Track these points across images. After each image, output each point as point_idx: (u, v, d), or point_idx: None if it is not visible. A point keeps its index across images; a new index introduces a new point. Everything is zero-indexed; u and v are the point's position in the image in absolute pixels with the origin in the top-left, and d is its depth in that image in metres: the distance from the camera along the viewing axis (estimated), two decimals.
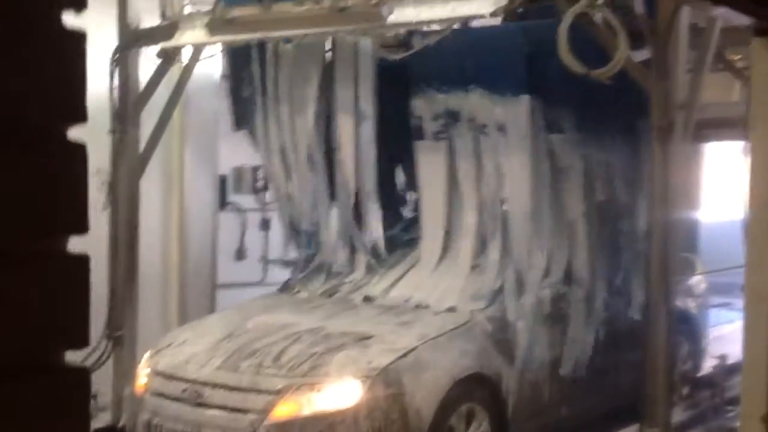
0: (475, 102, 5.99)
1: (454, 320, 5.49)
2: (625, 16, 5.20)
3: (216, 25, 5.89)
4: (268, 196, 8.48)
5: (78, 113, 0.85)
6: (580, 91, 5.76)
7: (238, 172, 8.66)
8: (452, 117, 6.13)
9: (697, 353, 7.47)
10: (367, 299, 6.00)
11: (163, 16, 6.38)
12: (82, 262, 0.83)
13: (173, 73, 6.81)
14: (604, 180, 6.39)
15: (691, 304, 7.42)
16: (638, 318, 6.30)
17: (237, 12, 5.94)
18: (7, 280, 0.79)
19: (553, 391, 5.90)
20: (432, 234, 6.24)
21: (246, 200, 8.62)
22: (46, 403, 0.82)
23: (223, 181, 8.32)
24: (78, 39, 0.86)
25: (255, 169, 8.65)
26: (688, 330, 7.26)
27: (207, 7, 6.35)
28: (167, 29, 6.24)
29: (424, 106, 6.18)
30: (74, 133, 0.88)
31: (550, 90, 5.91)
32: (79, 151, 0.85)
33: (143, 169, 6.79)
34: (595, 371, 6.18)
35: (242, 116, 6.81)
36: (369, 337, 5.16)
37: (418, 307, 5.79)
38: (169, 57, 6.49)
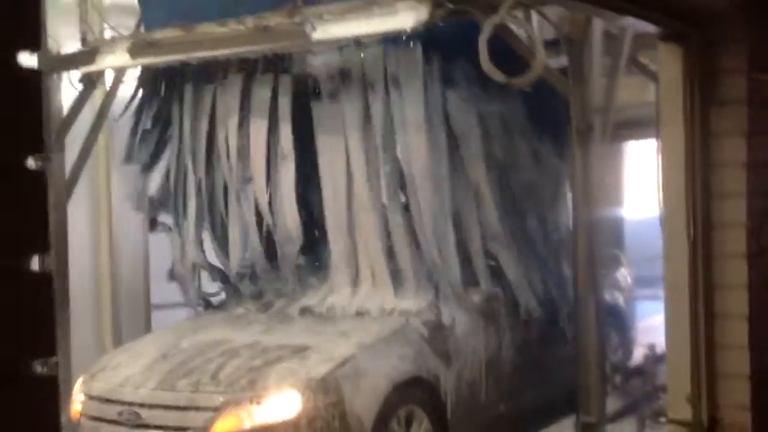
0: (367, 56, 5.86)
1: (391, 326, 5.55)
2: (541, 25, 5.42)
3: (138, 48, 5.89)
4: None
5: (38, 145, 0.92)
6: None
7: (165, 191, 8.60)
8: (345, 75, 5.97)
9: (626, 344, 7.68)
10: (304, 311, 6.01)
11: (84, 41, 6.35)
12: (46, 278, 0.92)
13: (96, 97, 6.78)
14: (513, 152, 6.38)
15: (618, 297, 7.64)
16: (567, 311, 6.47)
17: (159, 35, 5.95)
18: None
19: (490, 389, 6.01)
20: (338, 237, 6.10)
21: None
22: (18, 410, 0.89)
23: (151, 201, 8.27)
24: (35, 77, 0.93)
25: None
26: (617, 322, 7.45)
27: (128, 31, 6.35)
28: (88, 54, 6.21)
29: (320, 65, 6.06)
30: (32, 162, 0.94)
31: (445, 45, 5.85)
32: (40, 179, 0.92)
33: (70, 193, 6.73)
34: (530, 367, 6.31)
35: (139, 149, 6.70)
36: (307, 348, 5.19)
37: (356, 314, 5.82)
38: (91, 81, 6.46)
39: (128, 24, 6.69)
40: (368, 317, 5.76)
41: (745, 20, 3.08)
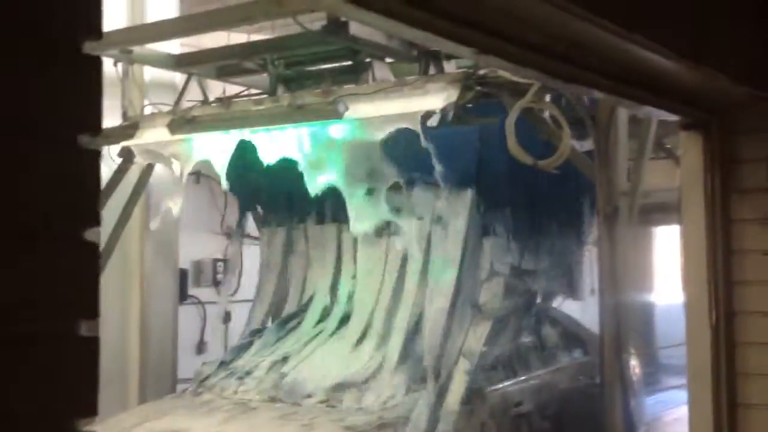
0: (417, 195, 6.12)
1: (364, 420, 5.18)
2: (568, 109, 5.52)
3: (177, 124, 6.08)
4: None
5: (95, 218, 1.04)
6: (520, 195, 6.08)
7: (198, 265, 8.74)
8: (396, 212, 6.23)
9: None
10: (273, 399, 5.73)
11: (125, 116, 6.57)
12: (93, 341, 1.01)
13: (133, 171, 6.97)
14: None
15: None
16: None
17: (197, 111, 6.15)
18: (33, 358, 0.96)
19: None
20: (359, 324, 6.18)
21: (206, 293, 8.68)
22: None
23: (183, 274, 8.39)
24: (95, 154, 1.04)
25: (215, 261, 8.75)
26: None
27: (167, 107, 6.56)
28: (128, 129, 6.41)
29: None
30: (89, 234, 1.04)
31: (492, 188, 6.07)
32: (95, 250, 1.02)
33: (104, 265, 6.86)
34: None
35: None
36: None
37: (329, 405, 5.54)
38: (129, 155, 6.65)
39: (168, 101, 6.92)
40: (338, 410, 5.47)
41: (763, 109, 3.15)
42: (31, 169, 0.98)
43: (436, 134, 6.16)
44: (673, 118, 3.37)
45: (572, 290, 6.93)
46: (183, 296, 8.37)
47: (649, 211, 6.48)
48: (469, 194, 5.99)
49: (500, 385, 5.92)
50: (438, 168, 5.84)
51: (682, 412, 9.39)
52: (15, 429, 0.92)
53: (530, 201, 6.39)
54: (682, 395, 10.82)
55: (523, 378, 6.14)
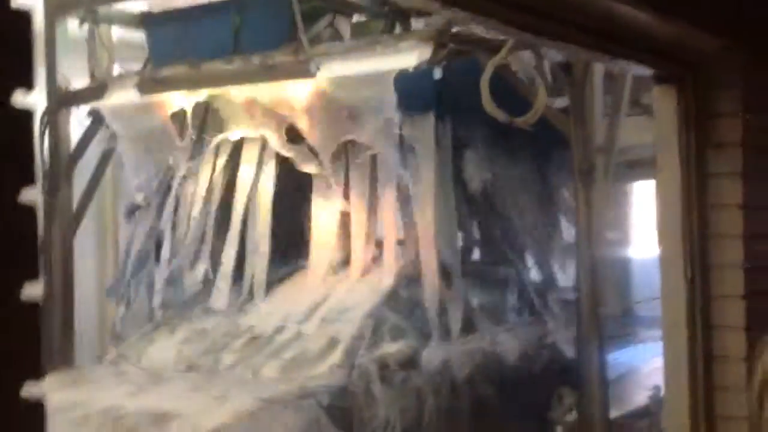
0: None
1: (281, 390, 4.78)
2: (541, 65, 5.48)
3: (146, 84, 5.97)
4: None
5: (29, 178, 0.99)
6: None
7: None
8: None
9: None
10: (190, 368, 5.32)
11: (93, 76, 6.44)
12: (33, 308, 0.97)
13: (105, 131, 6.85)
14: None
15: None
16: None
17: (167, 71, 6.04)
18: None
19: None
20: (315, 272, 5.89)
21: None
22: None
23: (158, 243, 8.31)
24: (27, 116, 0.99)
25: None
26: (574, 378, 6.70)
27: (136, 67, 6.43)
28: (97, 90, 6.30)
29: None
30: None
31: (458, 109, 5.95)
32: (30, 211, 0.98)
33: (77, 227, 6.78)
34: None
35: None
36: (170, 417, 4.46)
37: (249, 375, 5.15)
38: (99, 117, 6.54)
39: (137, 61, 6.79)
40: (258, 380, 5.06)
41: (738, 63, 3.12)
42: None
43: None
44: (646, 72, 3.32)
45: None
46: (158, 259, 8.29)
47: (625, 167, 6.47)
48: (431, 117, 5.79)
49: (436, 348, 5.53)
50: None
51: (657, 363, 9.52)
52: None
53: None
54: (657, 347, 10.94)
55: (464, 340, 5.75)
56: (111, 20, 6.48)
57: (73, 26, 6.44)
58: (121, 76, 6.38)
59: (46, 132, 6.44)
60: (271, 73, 5.64)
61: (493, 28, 2.49)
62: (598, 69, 5.49)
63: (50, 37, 6.21)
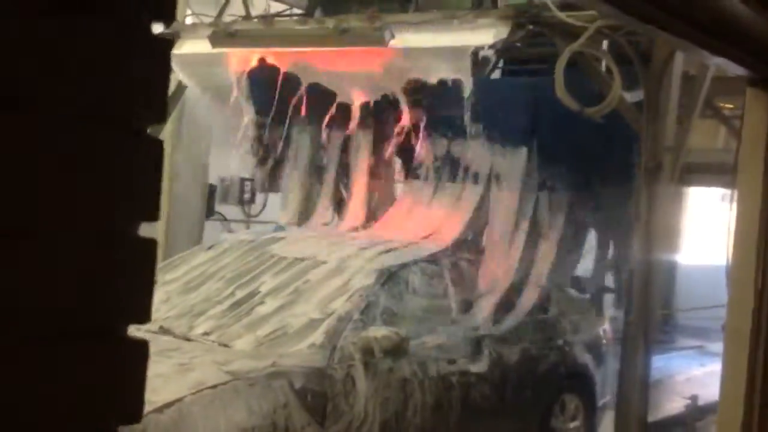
0: (474, 149, 6.10)
1: (250, 366, 4.37)
2: (620, 57, 5.35)
3: (218, 37, 5.96)
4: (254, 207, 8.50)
5: (161, 111, 0.97)
6: (574, 148, 5.95)
7: (226, 182, 8.71)
8: (449, 161, 6.25)
9: (589, 410, 6.48)
10: (164, 331, 4.89)
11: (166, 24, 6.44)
12: (150, 243, 0.94)
13: (172, 81, 6.88)
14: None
15: (587, 356, 6.46)
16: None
17: (240, 26, 6.02)
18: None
19: None
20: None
21: (231, 211, 8.66)
22: (106, 371, 0.91)
23: (211, 190, 8.37)
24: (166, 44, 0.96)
25: (243, 180, 8.72)
26: (582, 384, 6.41)
27: (209, 19, 6.43)
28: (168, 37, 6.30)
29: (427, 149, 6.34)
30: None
31: (547, 144, 6.01)
32: (157, 146, 0.95)
33: None
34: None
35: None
36: None
37: (221, 345, 4.73)
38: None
39: (210, 12, 6.79)
40: (231, 349, 4.67)
41: None
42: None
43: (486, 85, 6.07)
44: (740, 71, 3.22)
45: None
46: (209, 212, 8.37)
47: (686, 171, 6.33)
48: (524, 152, 5.97)
49: (427, 337, 5.19)
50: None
51: (695, 372, 9.34)
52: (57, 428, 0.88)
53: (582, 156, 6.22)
54: (696, 357, 10.74)
55: (457, 329, 5.44)
56: None
57: None
58: (194, 26, 6.38)
59: None
60: (343, 38, 5.59)
61: (599, 11, 2.41)
62: (677, 64, 5.36)
63: None
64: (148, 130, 0.98)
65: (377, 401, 4.71)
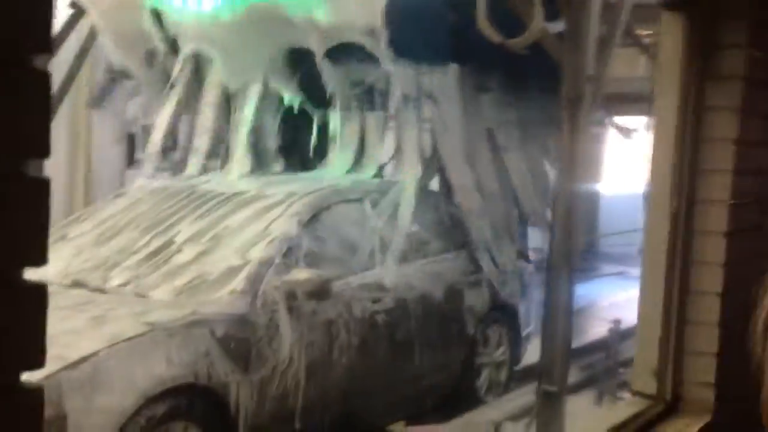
0: (398, 73, 6.02)
1: (167, 316, 4.26)
2: None
3: None
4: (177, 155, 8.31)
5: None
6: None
7: (148, 130, 8.49)
8: (368, 89, 6.19)
9: (516, 342, 6.71)
10: (77, 284, 4.76)
11: None
12: (42, 183, 0.89)
13: (84, 26, 6.63)
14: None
15: (512, 287, 6.60)
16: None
17: None
18: None
19: (312, 397, 4.81)
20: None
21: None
22: (2, 317, 0.87)
23: (131, 138, 8.16)
24: None
25: None
26: (507, 318, 6.59)
27: None
28: None
29: (341, 77, 6.21)
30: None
31: (474, 56, 5.98)
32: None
33: (51, 119, 6.60)
34: (381, 365, 5.33)
35: None
36: None
37: (138, 296, 4.63)
38: (81, 9, 6.31)
39: None
40: (148, 299, 4.56)
41: None
42: None
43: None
44: None
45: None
46: (131, 161, 8.18)
47: (606, 100, 6.42)
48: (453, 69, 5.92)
49: (351, 277, 5.16)
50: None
51: (618, 297, 9.66)
52: None
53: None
54: (619, 282, 11.11)
55: (380, 268, 5.39)
56: None
57: None
58: None
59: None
60: None
61: None
62: None
63: None
64: (36, 63, 0.92)
65: (302, 345, 4.68)
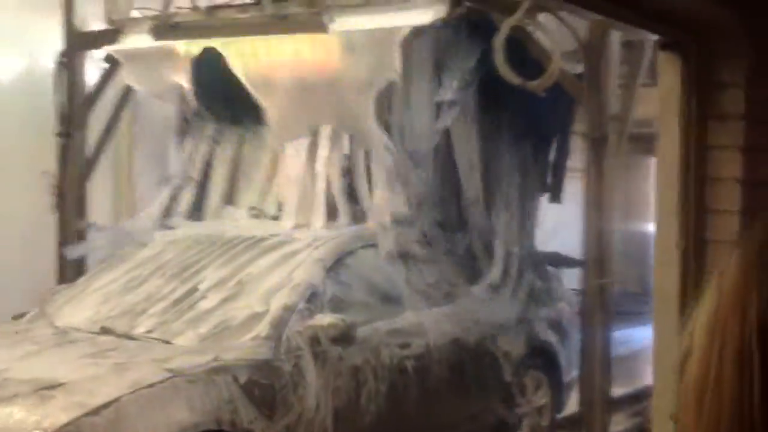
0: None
1: (195, 363, 4.24)
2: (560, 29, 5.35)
3: (160, 30, 5.94)
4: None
5: None
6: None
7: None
8: None
9: (558, 389, 6.40)
10: (105, 331, 4.80)
11: (109, 20, 6.43)
12: None
13: (122, 77, 6.85)
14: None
15: (551, 336, 6.36)
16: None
17: (181, 17, 6.01)
18: None
19: None
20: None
21: None
22: None
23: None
24: None
25: None
26: (547, 363, 6.30)
27: (153, 12, 6.40)
28: (112, 33, 6.28)
29: None
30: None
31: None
32: None
33: (90, 171, 6.81)
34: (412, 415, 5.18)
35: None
36: (57, 385, 3.93)
37: (159, 341, 4.64)
38: (116, 61, 6.53)
39: (157, 6, 6.74)
40: (172, 346, 4.56)
41: (744, 33, 3.02)
42: None
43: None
44: (651, 37, 3.23)
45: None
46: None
47: (645, 140, 6.33)
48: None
49: (378, 323, 5.07)
50: None
51: None
52: None
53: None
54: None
55: (409, 313, 5.29)
56: None
57: None
58: (136, 20, 6.36)
59: (63, 74, 6.46)
60: (284, 24, 5.58)
61: None
62: (615, 34, 5.37)
63: None
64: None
65: (328, 391, 4.62)
